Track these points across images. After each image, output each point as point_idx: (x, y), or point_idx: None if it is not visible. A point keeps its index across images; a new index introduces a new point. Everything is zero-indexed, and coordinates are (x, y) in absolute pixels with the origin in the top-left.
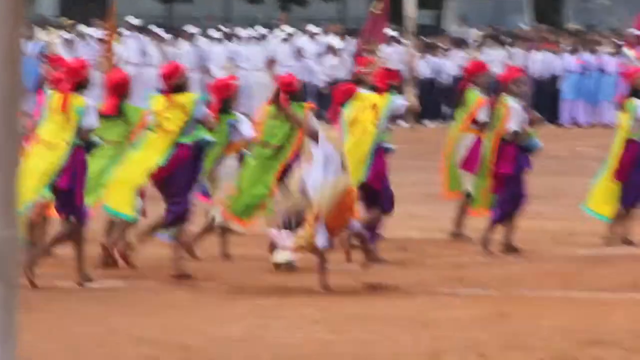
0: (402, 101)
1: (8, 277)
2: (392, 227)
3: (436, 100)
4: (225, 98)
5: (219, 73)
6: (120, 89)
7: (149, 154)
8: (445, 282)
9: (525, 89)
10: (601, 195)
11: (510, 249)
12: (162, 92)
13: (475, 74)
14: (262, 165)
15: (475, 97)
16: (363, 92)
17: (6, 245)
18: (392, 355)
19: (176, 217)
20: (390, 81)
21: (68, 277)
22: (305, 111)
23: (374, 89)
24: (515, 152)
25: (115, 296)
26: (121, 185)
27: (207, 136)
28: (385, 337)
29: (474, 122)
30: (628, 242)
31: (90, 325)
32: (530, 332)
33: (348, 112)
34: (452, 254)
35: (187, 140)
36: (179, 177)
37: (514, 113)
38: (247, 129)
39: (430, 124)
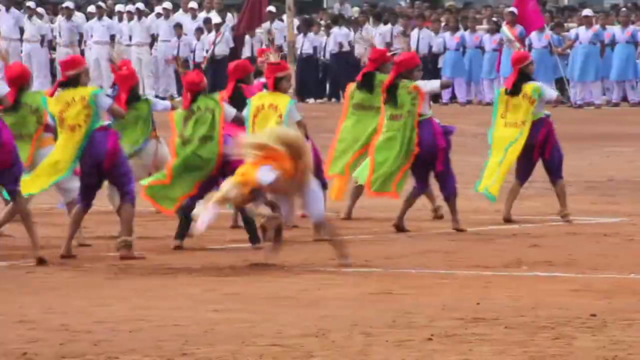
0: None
1: None
2: None
3: (317, 77)
4: (131, 86)
5: (95, 48)
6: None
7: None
8: (329, 261)
9: (420, 75)
10: (490, 176)
11: (401, 228)
12: (60, 85)
13: (380, 61)
14: (185, 161)
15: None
16: (264, 92)
17: None
18: (277, 334)
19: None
20: (277, 74)
21: None
22: (220, 101)
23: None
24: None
25: None
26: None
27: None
28: (269, 317)
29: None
30: (509, 219)
31: None
32: (415, 310)
33: (250, 108)
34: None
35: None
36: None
37: (424, 82)
38: (164, 105)
39: (311, 101)
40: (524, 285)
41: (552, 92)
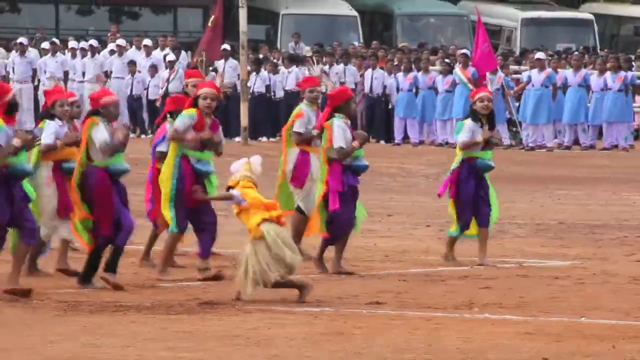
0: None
1: None
2: (228, 243)
3: (270, 115)
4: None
5: (48, 84)
6: None
7: None
8: (280, 300)
9: (354, 108)
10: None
11: (341, 271)
12: None
13: (305, 88)
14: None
15: (297, 110)
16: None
17: None
18: None
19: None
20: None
21: None
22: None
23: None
24: (342, 170)
25: None
26: None
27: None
28: (220, 356)
29: (295, 134)
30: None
31: None
32: (365, 350)
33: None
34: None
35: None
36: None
37: (337, 130)
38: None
39: (264, 139)
40: (474, 327)
41: (462, 136)
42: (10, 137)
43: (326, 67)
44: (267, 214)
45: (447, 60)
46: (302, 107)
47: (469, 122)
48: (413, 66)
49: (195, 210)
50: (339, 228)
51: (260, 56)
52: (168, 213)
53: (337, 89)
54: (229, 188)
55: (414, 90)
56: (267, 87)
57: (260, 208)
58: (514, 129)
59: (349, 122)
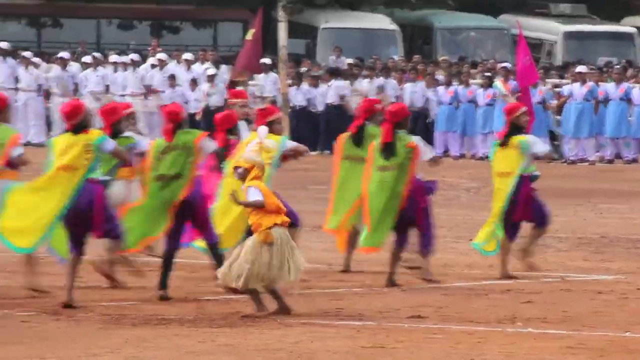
0: (292, 143)
1: None
2: None
3: (311, 128)
4: (114, 122)
5: (90, 98)
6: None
7: (54, 193)
8: (322, 313)
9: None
10: (486, 233)
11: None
12: (65, 131)
13: (370, 112)
14: (155, 200)
15: (376, 130)
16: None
17: None
18: None
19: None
20: (269, 118)
21: None
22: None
23: (249, 122)
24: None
25: None
26: (20, 222)
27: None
28: None
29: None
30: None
31: None
32: None
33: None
34: (328, 285)
35: (95, 175)
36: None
37: (421, 143)
38: (145, 144)
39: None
40: (517, 342)
41: (541, 147)
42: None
43: (366, 81)
44: (279, 219)
45: (487, 73)
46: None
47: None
48: (452, 79)
49: None
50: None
51: (301, 70)
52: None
53: (397, 105)
54: (236, 168)
55: (454, 103)
56: (308, 101)
57: (274, 211)
58: (555, 143)
59: None
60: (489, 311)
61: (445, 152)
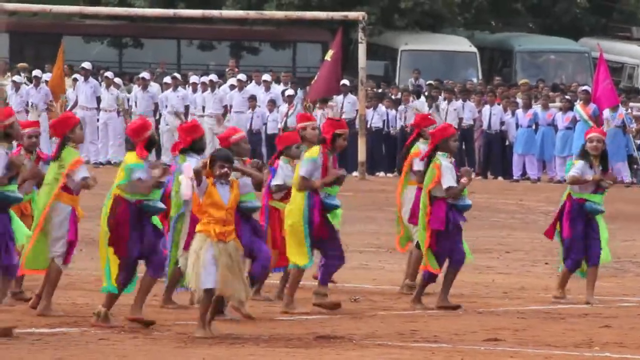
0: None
1: None
2: (344, 277)
3: (387, 150)
4: (194, 139)
5: (170, 119)
6: (59, 131)
7: None
8: (397, 335)
9: (457, 145)
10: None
11: (446, 306)
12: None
13: (421, 125)
14: None
15: (415, 149)
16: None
17: None
18: None
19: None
20: (337, 131)
21: (18, 323)
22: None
23: (322, 140)
24: (446, 208)
25: (67, 343)
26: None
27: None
28: None
29: (414, 173)
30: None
31: None
32: None
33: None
34: (404, 307)
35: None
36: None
37: (445, 170)
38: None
39: (381, 174)
40: None
41: (572, 171)
42: (148, 171)
43: (444, 103)
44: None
45: (567, 97)
46: (420, 146)
47: (579, 162)
48: (531, 102)
49: (323, 241)
50: (459, 264)
51: (380, 91)
52: (304, 249)
53: (440, 126)
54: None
55: (533, 126)
56: (384, 122)
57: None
58: (635, 167)
59: (452, 159)
60: (566, 335)
61: (523, 175)
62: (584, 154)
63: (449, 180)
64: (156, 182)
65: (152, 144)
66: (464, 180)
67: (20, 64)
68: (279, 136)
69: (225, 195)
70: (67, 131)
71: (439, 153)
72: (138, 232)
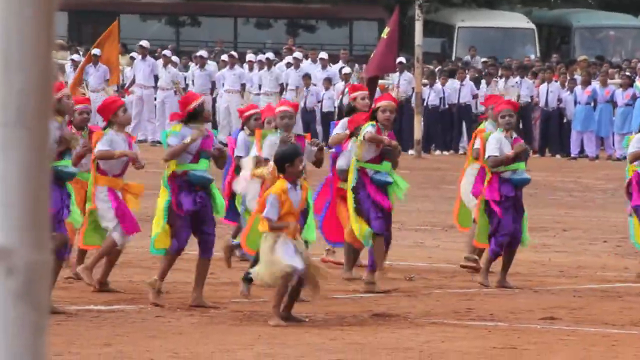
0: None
1: (38, 303)
2: (400, 256)
3: (444, 128)
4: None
5: (226, 96)
6: (104, 115)
7: None
8: (452, 313)
9: (512, 120)
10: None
11: (505, 286)
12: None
13: (489, 106)
14: None
15: (481, 126)
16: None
17: (37, 269)
18: None
19: None
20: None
21: (77, 300)
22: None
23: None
24: (500, 181)
25: (125, 320)
26: None
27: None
28: None
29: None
30: None
31: (99, 348)
32: None
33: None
34: (459, 285)
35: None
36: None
37: (491, 141)
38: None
39: (437, 152)
40: None
41: (631, 146)
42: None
43: (502, 80)
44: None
45: (627, 73)
46: (487, 125)
47: (638, 135)
48: (590, 79)
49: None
50: (502, 239)
51: (436, 69)
52: (357, 225)
53: (489, 95)
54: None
55: (592, 103)
56: (440, 100)
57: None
58: None
59: (510, 134)
60: (623, 313)
61: (581, 153)
62: None
63: (491, 150)
64: (185, 146)
65: (196, 116)
66: (509, 153)
67: (78, 44)
68: (350, 118)
69: (296, 200)
70: (111, 115)
71: (488, 123)
72: (185, 219)
